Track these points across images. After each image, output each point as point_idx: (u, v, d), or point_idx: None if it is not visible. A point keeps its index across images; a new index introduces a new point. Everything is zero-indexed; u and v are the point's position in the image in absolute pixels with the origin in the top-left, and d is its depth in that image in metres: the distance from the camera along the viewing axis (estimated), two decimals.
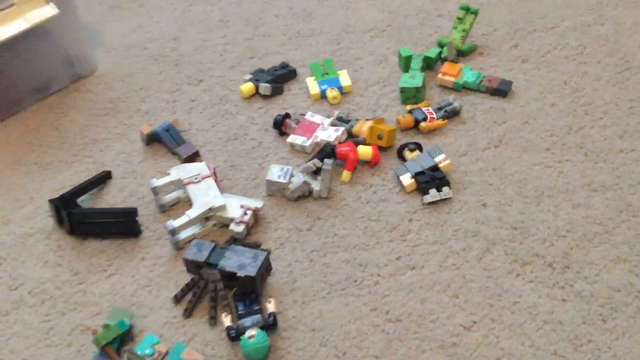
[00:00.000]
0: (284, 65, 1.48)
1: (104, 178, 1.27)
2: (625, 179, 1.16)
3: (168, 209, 1.21)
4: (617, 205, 1.12)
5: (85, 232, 1.17)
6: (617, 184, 1.16)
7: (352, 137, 1.30)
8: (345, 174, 1.23)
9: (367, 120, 1.30)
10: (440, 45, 1.45)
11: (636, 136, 1.23)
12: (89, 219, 1.15)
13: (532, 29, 1.49)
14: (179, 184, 1.21)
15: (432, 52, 1.42)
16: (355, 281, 1.07)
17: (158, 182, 1.20)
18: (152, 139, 1.34)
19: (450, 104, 1.32)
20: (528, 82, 1.37)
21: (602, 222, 1.10)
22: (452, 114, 1.32)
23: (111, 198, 1.25)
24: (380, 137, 1.26)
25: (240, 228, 1.13)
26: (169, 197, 1.21)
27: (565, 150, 1.23)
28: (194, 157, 1.30)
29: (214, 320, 1.03)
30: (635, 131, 1.24)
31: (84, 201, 1.23)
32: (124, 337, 1.00)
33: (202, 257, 1.05)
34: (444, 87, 1.39)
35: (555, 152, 1.23)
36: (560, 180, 1.18)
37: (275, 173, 1.21)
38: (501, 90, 1.34)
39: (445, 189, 1.17)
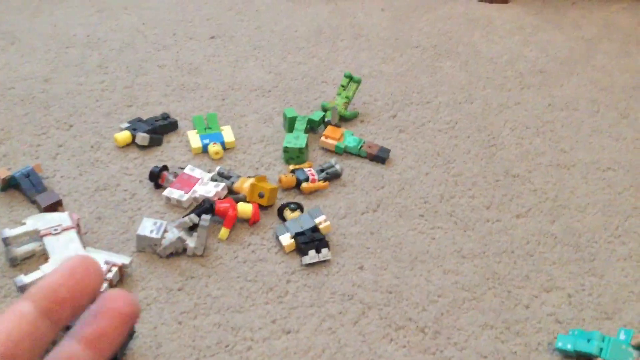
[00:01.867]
0: (165, 116, 1.43)
1: None
2: (491, 247, 1.22)
3: (20, 263, 1.09)
4: (484, 273, 1.17)
5: None
6: (484, 252, 1.21)
7: (232, 194, 1.26)
8: (223, 231, 1.19)
9: (248, 177, 1.27)
10: (324, 109, 1.48)
11: (501, 208, 1.30)
12: None
13: (410, 102, 1.57)
14: (35, 235, 1.10)
15: (316, 115, 1.44)
16: (227, 346, 1.01)
17: (11, 232, 1.08)
18: (9, 185, 1.22)
19: (331, 166, 1.33)
20: (405, 150, 1.43)
21: (470, 288, 1.14)
22: (333, 177, 1.33)
23: None
24: (261, 196, 1.24)
25: (102, 286, 1.04)
26: (23, 249, 1.09)
27: (437, 217, 1.27)
28: (55, 207, 1.19)
29: None
30: (500, 203, 1.31)
31: None
32: None
33: None
34: (326, 149, 1.40)
35: (428, 218, 1.27)
36: (433, 246, 1.21)
37: (148, 227, 1.13)
38: (380, 157, 1.38)
39: (324, 250, 1.16)
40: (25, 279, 1.01)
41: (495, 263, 1.19)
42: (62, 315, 0.25)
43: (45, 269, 1.03)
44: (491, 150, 1.45)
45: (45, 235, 1.08)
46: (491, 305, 1.11)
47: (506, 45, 1.84)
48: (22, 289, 1.00)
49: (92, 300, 0.27)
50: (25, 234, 1.09)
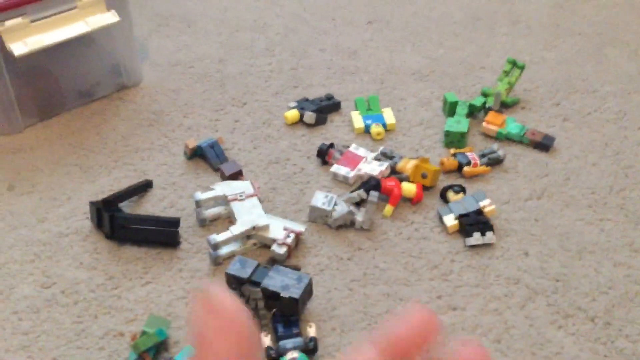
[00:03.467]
0: (329, 97, 1.50)
1: (145, 186, 1.26)
2: None
3: (207, 224, 1.20)
4: None
5: (125, 237, 1.15)
6: None
7: (395, 174, 1.31)
8: (388, 209, 1.23)
9: (411, 158, 1.31)
10: (485, 94, 1.48)
11: None
12: (131, 224, 1.14)
13: (574, 90, 1.53)
14: (222, 200, 1.20)
15: (478, 101, 1.44)
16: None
17: (202, 195, 1.19)
18: (196, 154, 1.34)
19: (494, 151, 1.34)
20: (569, 140, 1.40)
21: None
22: (495, 162, 1.33)
23: (150, 207, 1.24)
24: (424, 176, 1.27)
25: (282, 250, 1.12)
26: (210, 212, 1.20)
27: (606, 209, 1.24)
28: (237, 176, 1.29)
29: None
30: None
31: (124, 207, 1.22)
32: (160, 347, 0.98)
33: (245, 273, 1.04)
34: (487, 135, 1.41)
35: (596, 210, 1.24)
36: (602, 238, 1.18)
37: (320, 199, 1.21)
38: (544, 145, 1.36)
39: (488, 233, 1.17)
40: (217, 237, 1.11)
41: None
42: None
43: (234, 230, 1.13)
44: None
45: (232, 200, 1.19)
46: None
47: None
48: (215, 246, 1.11)
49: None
50: (214, 198, 1.20)
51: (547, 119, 1.45)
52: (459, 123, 1.38)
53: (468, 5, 1.88)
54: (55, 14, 1.31)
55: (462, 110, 1.43)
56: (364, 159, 1.33)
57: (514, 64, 1.48)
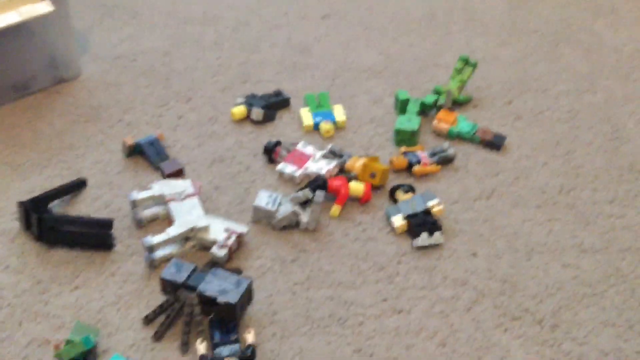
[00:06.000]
0: (278, 93, 1.45)
1: (78, 185, 1.20)
2: (614, 243, 1.16)
3: (145, 225, 1.14)
4: (606, 269, 1.11)
5: (54, 240, 1.08)
6: (606, 248, 1.15)
7: (343, 172, 1.27)
8: (335, 209, 1.19)
9: (360, 157, 1.27)
10: (437, 92, 1.45)
11: (625, 203, 1.23)
12: (61, 226, 1.07)
13: (526, 89, 1.52)
14: (160, 200, 1.15)
15: (429, 99, 1.41)
16: (339, 319, 1.02)
17: (139, 195, 1.13)
18: (134, 151, 1.27)
19: (444, 150, 1.31)
20: (521, 138, 1.38)
21: (591, 284, 1.09)
22: (445, 161, 1.30)
23: (84, 207, 1.17)
24: (373, 176, 1.23)
25: (222, 252, 1.07)
26: (148, 212, 1.14)
27: (555, 209, 1.22)
28: (177, 174, 1.24)
29: (186, 346, 0.95)
30: (624, 198, 1.24)
31: (55, 208, 1.15)
32: (87, 356, 0.92)
33: (181, 277, 0.98)
34: (438, 134, 1.38)
35: (545, 210, 1.22)
36: (551, 239, 1.17)
37: (264, 199, 1.16)
38: (495, 144, 1.34)
39: (436, 234, 1.14)
40: (152, 239, 1.06)
41: (619, 260, 1.13)
42: None
43: (171, 231, 1.07)
44: (615, 143, 1.37)
45: (170, 200, 1.13)
46: (613, 303, 1.06)
47: (631, 34, 1.73)
48: (150, 249, 1.05)
49: None
50: (151, 198, 1.14)
51: (499, 117, 1.43)
52: (410, 121, 1.35)
53: (424, 3, 1.85)
54: None
55: (413, 107, 1.40)
56: (312, 157, 1.29)
57: (466, 61, 1.46)
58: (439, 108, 1.42)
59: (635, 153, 1.35)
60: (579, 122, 1.42)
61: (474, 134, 1.36)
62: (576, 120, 1.43)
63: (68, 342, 0.90)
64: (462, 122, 1.38)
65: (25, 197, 1.15)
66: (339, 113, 1.41)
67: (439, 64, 1.59)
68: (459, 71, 1.46)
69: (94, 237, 1.08)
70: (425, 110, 1.42)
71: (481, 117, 1.43)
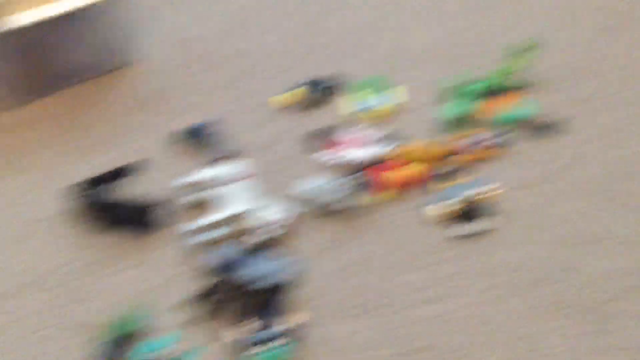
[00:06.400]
0: (335, 77, 1.44)
1: (134, 168, 1.23)
2: None
3: (197, 207, 1.16)
4: None
5: (106, 221, 1.11)
6: None
7: (399, 157, 1.25)
8: (388, 193, 1.18)
9: (415, 141, 1.25)
10: (499, 74, 1.40)
11: None
12: (112, 207, 1.10)
13: (592, 70, 1.45)
14: (213, 183, 1.16)
15: (488, 82, 1.37)
16: (389, 304, 1.01)
17: (191, 178, 1.15)
18: (190, 136, 1.30)
19: (502, 134, 1.27)
20: (584, 123, 1.32)
21: None
22: (503, 145, 1.26)
23: (139, 190, 1.20)
24: (428, 160, 1.21)
25: (271, 235, 1.08)
26: (201, 195, 1.16)
27: (615, 198, 1.16)
28: (231, 158, 1.25)
29: (234, 327, 0.96)
30: None
31: (111, 190, 1.19)
32: (137, 335, 0.94)
33: (228, 260, 0.99)
34: (499, 117, 1.34)
35: (605, 199, 1.16)
36: (612, 228, 1.11)
37: (315, 183, 1.16)
38: (555, 128, 1.29)
39: (485, 220, 1.11)
40: (197, 224, 1.07)
41: None
42: None
43: (221, 215, 1.08)
44: None
45: (222, 183, 1.14)
46: None
47: None
48: (198, 231, 1.06)
49: None
50: (203, 181, 1.15)
51: (561, 101, 1.38)
52: (466, 105, 1.32)
53: None
54: None
55: (473, 91, 1.36)
56: (369, 142, 1.27)
57: (527, 45, 1.40)
58: (502, 90, 1.37)
59: None
60: None
61: (535, 118, 1.31)
62: None
63: (119, 319, 0.93)
64: (525, 105, 1.33)
65: (86, 177, 1.19)
66: (397, 96, 1.39)
67: (497, 47, 1.54)
68: (521, 54, 1.41)
69: (144, 218, 1.10)
70: (484, 94, 1.38)
71: (543, 101, 1.37)
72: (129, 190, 1.18)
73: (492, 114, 1.33)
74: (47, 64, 1.39)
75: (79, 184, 1.14)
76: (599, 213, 1.14)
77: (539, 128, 1.30)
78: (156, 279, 1.04)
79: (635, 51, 1.51)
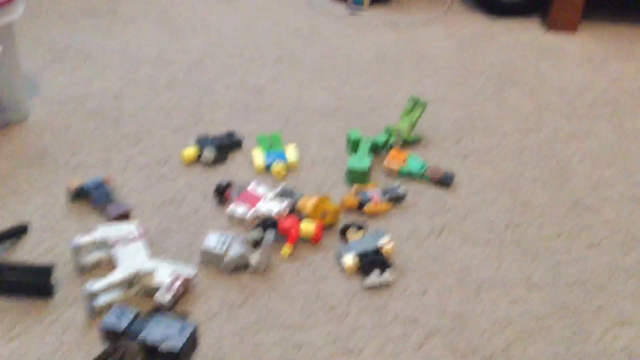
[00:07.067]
0: (230, 134, 1.45)
1: (19, 231, 1.16)
2: (560, 278, 1.17)
3: (89, 271, 1.11)
4: (554, 304, 1.12)
5: None
6: (553, 283, 1.16)
7: (294, 212, 1.26)
8: (286, 249, 1.18)
9: (311, 196, 1.27)
10: (388, 132, 1.47)
11: (571, 238, 1.26)
12: (3, 270, 1.03)
13: (475, 128, 1.55)
14: (104, 244, 1.12)
15: (381, 138, 1.43)
16: None
17: (81, 240, 1.10)
18: (79, 195, 1.25)
19: (395, 189, 1.32)
20: (469, 176, 1.40)
21: (539, 318, 1.09)
22: (396, 199, 1.31)
23: (26, 253, 1.13)
24: (324, 215, 1.23)
25: (167, 297, 1.04)
26: (91, 257, 1.11)
27: (503, 245, 1.24)
28: (124, 217, 1.21)
29: None
30: (570, 233, 1.27)
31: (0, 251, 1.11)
32: None
33: (121, 325, 0.95)
34: (389, 173, 1.39)
35: (494, 246, 1.23)
36: (499, 274, 1.18)
37: (212, 242, 1.14)
38: (444, 182, 1.36)
39: (386, 273, 1.14)
40: (93, 285, 1.02)
41: (566, 294, 1.14)
42: None
43: (113, 277, 1.04)
44: (560, 180, 1.41)
45: (114, 244, 1.10)
46: (561, 337, 1.06)
47: (574, 75, 1.80)
48: (92, 295, 1.02)
49: None
50: (95, 242, 1.11)
51: (449, 156, 1.46)
52: (362, 160, 1.36)
53: (375, 45, 1.90)
54: None
55: (365, 147, 1.41)
56: (263, 198, 1.28)
57: (415, 102, 1.49)
58: (390, 147, 1.43)
59: (580, 189, 1.39)
60: (525, 160, 1.46)
61: (424, 172, 1.37)
62: (522, 158, 1.46)
63: None
64: (413, 161, 1.40)
65: None
66: (292, 153, 1.41)
67: (389, 104, 1.62)
68: (409, 111, 1.49)
69: (34, 284, 1.04)
70: (377, 150, 1.44)
71: (431, 156, 1.45)
72: (20, 254, 1.11)
73: (390, 168, 1.38)
74: None
75: None
76: (487, 261, 1.20)
77: (430, 181, 1.37)
78: (50, 347, 0.98)
79: (511, 110, 1.63)
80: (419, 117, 1.48)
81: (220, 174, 1.36)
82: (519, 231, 1.27)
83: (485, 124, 1.57)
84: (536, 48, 1.94)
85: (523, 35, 2.01)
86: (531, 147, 1.50)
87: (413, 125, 1.48)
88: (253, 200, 1.27)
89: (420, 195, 1.34)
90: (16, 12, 1.34)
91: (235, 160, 1.41)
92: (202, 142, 1.41)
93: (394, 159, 1.39)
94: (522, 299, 1.13)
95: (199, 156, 1.39)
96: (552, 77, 1.78)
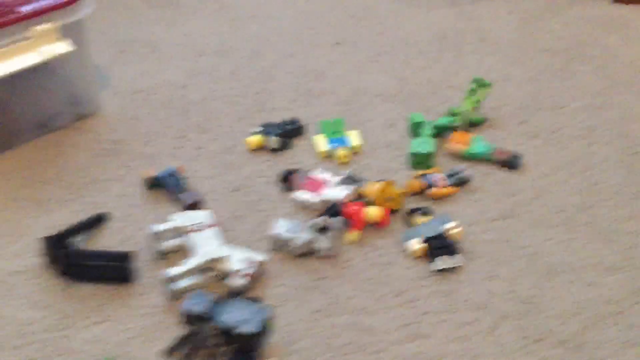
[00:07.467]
0: (294, 121, 1.47)
1: (100, 219, 1.22)
2: (636, 260, 1.15)
3: (166, 257, 1.16)
4: (629, 286, 1.10)
5: (77, 275, 1.10)
6: (628, 265, 1.14)
7: (360, 198, 1.27)
8: (353, 234, 1.20)
9: (376, 181, 1.28)
10: (452, 114, 1.46)
11: None
12: (83, 260, 1.09)
13: (541, 107, 1.52)
14: (181, 231, 1.16)
15: (444, 120, 1.42)
16: (360, 346, 1.02)
17: (159, 227, 1.15)
18: (154, 184, 1.30)
19: (460, 172, 1.31)
20: (537, 157, 1.37)
21: (615, 302, 1.08)
22: (462, 182, 1.30)
23: (107, 241, 1.20)
24: (389, 200, 1.24)
25: (242, 281, 1.08)
26: (169, 244, 1.16)
27: (575, 227, 1.21)
28: (197, 205, 1.25)
29: None
30: None
31: (79, 242, 1.18)
32: None
33: (201, 309, 0.99)
34: (454, 156, 1.38)
35: (565, 229, 1.21)
36: (572, 257, 1.16)
37: (282, 227, 1.17)
38: (511, 164, 1.34)
39: (455, 256, 1.14)
40: (172, 271, 1.07)
41: None
42: None
43: (191, 263, 1.09)
44: (633, 158, 1.36)
45: (190, 232, 1.14)
46: (637, 322, 1.04)
47: None
48: (170, 280, 1.07)
49: None
50: (172, 229, 1.15)
51: (515, 137, 1.43)
52: (425, 143, 1.36)
53: (435, 24, 1.87)
54: (8, 44, 1.28)
55: (428, 130, 1.40)
56: (329, 184, 1.30)
57: (479, 82, 1.46)
58: (454, 130, 1.42)
59: None
60: (596, 139, 1.42)
61: (491, 154, 1.36)
62: (593, 137, 1.42)
63: None
64: (478, 143, 1.38)
65: (50, 232, 1.18)
66: (354, 138, 1.42)
67: (452, 85, 1.60)
68: (472, 92, 1.46)
69: (114, 270, 1.09)
70: (440, 133, 1.43)
71: (497, 137, 1.43)
72: (100, 241, 1.18)
73: (455, 150, 1.37)
74: (7, 119, 1.38)
75: (49, 237, 1.13)
76: (560, 245, 1.18)
77: (496, 164, 1.35)
78: (134, 330, 1.03)
79: (579, 87, 1.58)
80: (484, 97, 1.46)
81: (285, 161, 1.39)
82: (591, 213, 1.24)
83: (552, 102, 1.53)
84: (604, 21, 1.86)
85: (589, 8, 1.93)
86: (601, 126, 1.45)
87: (477, 106, 1.46)
88: (318, 186, 1.29)
89: (486, 178, 1.33)
90: (88, 8, 1.39)
91: (299, 146, 1.43)
92: (266, 130, 1.44)
93: (458, 142, 1.38)
94: (595, 282, 1.11)
95: (264, 143, 1.41)
96: (621, 52, 1.71)
